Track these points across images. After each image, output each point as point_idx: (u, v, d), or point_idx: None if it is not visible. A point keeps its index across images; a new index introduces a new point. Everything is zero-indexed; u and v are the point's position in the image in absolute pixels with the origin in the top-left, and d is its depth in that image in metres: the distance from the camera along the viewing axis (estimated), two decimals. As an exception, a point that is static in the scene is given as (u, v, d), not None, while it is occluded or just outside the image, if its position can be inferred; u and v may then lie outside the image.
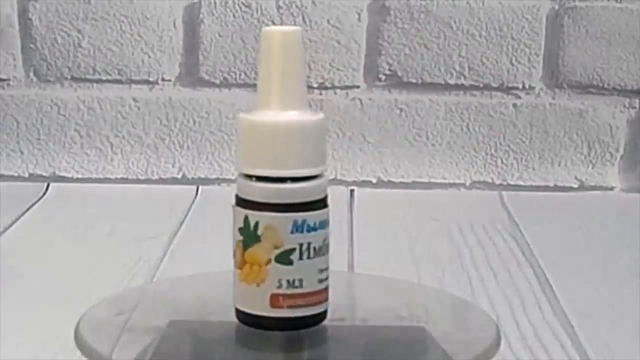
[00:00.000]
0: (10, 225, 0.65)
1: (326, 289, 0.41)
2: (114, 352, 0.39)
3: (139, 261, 0.58)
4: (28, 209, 0.69)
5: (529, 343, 0.47)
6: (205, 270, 0.51)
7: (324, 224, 0.40)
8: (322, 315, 0.41)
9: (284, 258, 0.40)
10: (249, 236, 0.40)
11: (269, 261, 0.40)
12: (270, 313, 0.40)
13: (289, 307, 0.40)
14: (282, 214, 0.40)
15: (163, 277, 0.55)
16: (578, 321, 0.50)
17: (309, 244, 0.40)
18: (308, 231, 0.40)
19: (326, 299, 0.41)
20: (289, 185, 0.40)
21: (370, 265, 0.58)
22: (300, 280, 0.40)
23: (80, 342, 0.39)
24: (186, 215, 0.68)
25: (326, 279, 0.41)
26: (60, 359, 0.44)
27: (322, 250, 0.40)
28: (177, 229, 0.65)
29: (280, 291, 0.40)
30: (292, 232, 0.40)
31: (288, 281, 0.40)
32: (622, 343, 0.48)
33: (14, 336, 0.47)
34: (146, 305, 0.46)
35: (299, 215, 0.40)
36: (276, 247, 0.40)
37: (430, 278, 0.56)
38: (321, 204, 0.40)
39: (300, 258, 0.40)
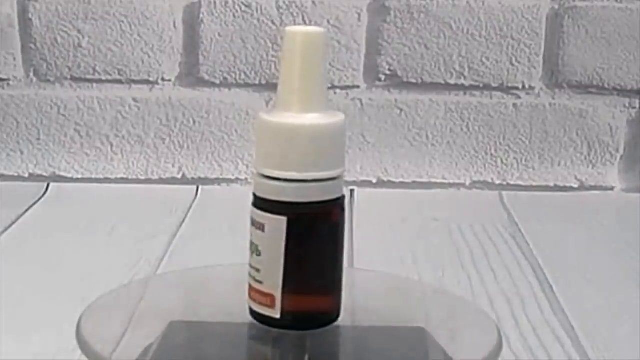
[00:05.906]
0: (10, 225, 0.65)
1: (257, 290, 0.40)
2: (115, 352, 0.39)
3: (139, 261, 0.58)
4: (28, 209, 0.69)
5: (529, 343, 0.47)
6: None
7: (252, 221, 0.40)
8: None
9: None
10: None
11: None
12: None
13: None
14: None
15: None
16: (578, 321, 0.50)
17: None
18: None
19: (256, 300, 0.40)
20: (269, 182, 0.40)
21: (370, 265, 0.58)
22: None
23: (82, 342, 0.39)
24: (186, 215, 0.68)
25: (257, 281, 0.40)
26: (60, 359, 0.44)
27: (251, 248, 0.40)
28: (177, 229, 0.65)
29: None
30: None
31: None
32: (622, 343, 0.48)
33: (14, 336, 0.47)
34: (148, 301, 0.46)
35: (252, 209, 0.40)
36: None
37: (430, 278, 0.56)
38: (271, 205, 0.40)
39: None
